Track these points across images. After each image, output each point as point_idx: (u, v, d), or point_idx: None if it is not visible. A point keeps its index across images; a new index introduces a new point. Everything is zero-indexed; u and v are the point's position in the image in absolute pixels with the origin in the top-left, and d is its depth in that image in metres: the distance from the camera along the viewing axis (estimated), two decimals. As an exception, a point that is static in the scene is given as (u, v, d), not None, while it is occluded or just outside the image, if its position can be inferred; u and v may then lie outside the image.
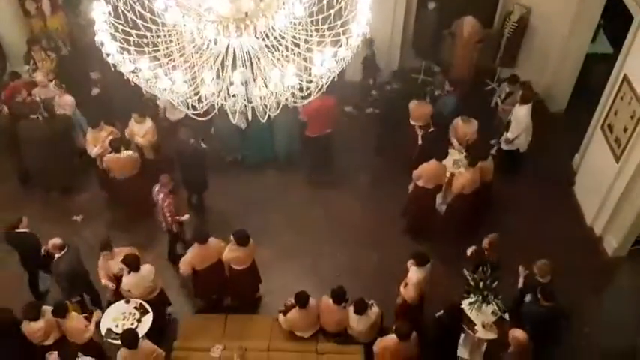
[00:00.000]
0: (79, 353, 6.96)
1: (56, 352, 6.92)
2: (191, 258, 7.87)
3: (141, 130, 9.30)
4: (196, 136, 9.09)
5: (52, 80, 10.21)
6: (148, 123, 9.32)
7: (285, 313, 7.64)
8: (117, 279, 7.79)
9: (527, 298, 7.58)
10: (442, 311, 7.56)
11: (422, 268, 7.55)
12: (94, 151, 9.27)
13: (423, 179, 8.94)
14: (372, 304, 7.54)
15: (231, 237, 7.85)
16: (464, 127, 9.70)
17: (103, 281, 7.77)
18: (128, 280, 7.52)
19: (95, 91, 10.21)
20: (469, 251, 8.04)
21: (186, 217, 8.67)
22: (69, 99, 9.92)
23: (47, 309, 7.28)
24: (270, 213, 9.76)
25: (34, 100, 9.70)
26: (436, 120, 10.03)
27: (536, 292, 7.35)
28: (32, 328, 7.16)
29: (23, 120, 9.51)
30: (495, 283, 7.37)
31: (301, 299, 7.36)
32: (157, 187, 8.47)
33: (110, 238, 8.06)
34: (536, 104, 11.23)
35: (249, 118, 4.48)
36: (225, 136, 10.00)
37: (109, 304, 7.80)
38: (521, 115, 9.70)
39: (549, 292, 7.22)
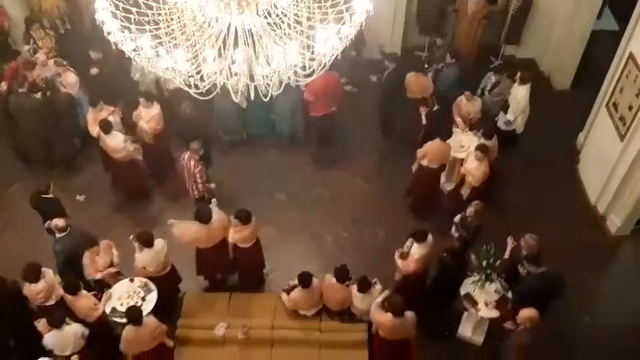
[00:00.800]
0: (67, 319, 6.97)
1: (43, 319, 6.99)
2: (195, 236, 7.84)
3: (147, 115, 9.25)
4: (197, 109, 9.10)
5: (52, 58, 10.16)
6: (155, 109, 9.25)
7: (288, 292, 7.67)
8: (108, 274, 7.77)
9: (522, 270, 7.56)
10: (445, 253, 7.69)
11: (422, 244, 7.56)
12: (94, 131, 9.25)
13: (428, 158, 8.90)
14: (375, 282, 7.56)
15: (233, 218, 7.84)
16: (467, 106, 9.61)
17: (98, 276, 7.65)
18: (143, 257, 7.51)
19: (94, 70, 10.13)
20: (456, 219, 8.18)
21: (213, 185, 8.80)
22: (72, 77, 9.88)
23: (47, 270, 7.32)
24: (274, 192, 9.77)
25: (34, 82, 9.64)
26: (439, 97, 9.96)
27: (522, 263, 7.43)
28: (33, 290, 7.21)
29: (21, 97, 9.47)
30: (498, 262, 7.37)
31: (305, 280, 7.38)
32: (185, 155, 8.52)
33: (96, 235, 7.95)
34: (540, 82, 11.17)
35: (252, 97, 4.43)
36: (225, 116, 9.96)
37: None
38: (520, 96, 9.58)
39: (535, 258, 7.30)
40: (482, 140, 8.94)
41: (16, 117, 9.60)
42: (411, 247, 7.67)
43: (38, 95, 9.41)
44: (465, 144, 9.40)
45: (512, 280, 7.62)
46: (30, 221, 8.54)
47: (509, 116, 9.71)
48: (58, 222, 7.69)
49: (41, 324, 7.00)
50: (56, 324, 6.87)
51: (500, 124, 9.91)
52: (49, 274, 7.32)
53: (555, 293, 7.31)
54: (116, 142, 8.88)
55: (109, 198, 9.79)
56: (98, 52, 9.97)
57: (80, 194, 9.66)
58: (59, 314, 6.97)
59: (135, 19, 4.50)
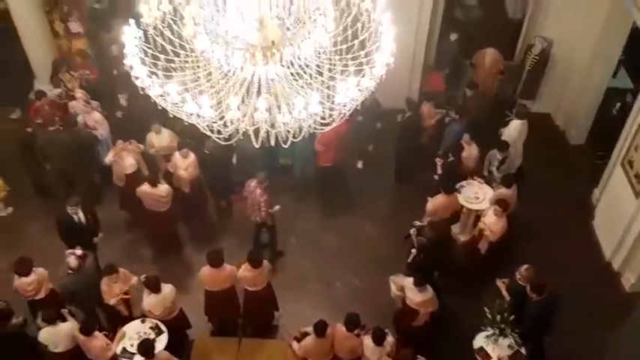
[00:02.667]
0: (64, 310, 7.27)
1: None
2: (202, 278, 7.97)
3: (184, 164, 9.46)
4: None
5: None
6: (192, 157, 9.48)
7: (299, 340, 7.59)
8: (123, 300, 7.91)
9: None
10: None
11: (423, 292, 7.60)
12: (108, 156, 9.50)
13: (439, 214, 8.94)
14: (387, 333, 7.48)
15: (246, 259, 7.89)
16: (468, 149, 9.75)
17: (112, 301, 7.82)
18: (149, 301, 7.58)
19: (119, 114, 10.42)
20: (499, 283, 8.11)
21: (277, 207, 9.06)
22: (98, 116, 10.16)
23: (38, 269, 7.66)
24: (285, 237, 9.79)
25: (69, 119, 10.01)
26: (445, 152, 10.10)
27: (523, 296, 7.45)
28: (23, 283, 7.54)
29: (45, 131, 9.81)
30: (513, 317, 7.31)
31: (320, 329, 7.26)
32: (252, 183, 8.77)
33: (116, 262, 8.10)
34: (556, 136, 11.26)
35: (272, 144, 4.53)
36: (246, 159, 10.08)
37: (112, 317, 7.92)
38: (512, 127, 9.93)
39: (539, 285, 7.38)
40: (501, 189, 8.98)
41: (45, 153, 9.86)
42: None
43: (65, 132, 9.73)
44: (479, 195, 9.44)
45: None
46: (49, 254, 8.57)
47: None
48: (70, 262, 7.80)
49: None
50: (50, 320, 7.11)
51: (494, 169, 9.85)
52: (40, 270, 7.72)
53: (556, 312, 7.48)
54: (163, 190, 9.05)
55: (123, 236, 9.89)
56: (125, 96, 10.29)
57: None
58: (53, 311, 7.24)
59: (162, 65, 4.68)
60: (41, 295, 7.73)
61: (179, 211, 9.58)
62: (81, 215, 8.51)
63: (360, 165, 11.03)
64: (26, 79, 11.85)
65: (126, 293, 7.93)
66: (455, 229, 9.64)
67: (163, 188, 9.02)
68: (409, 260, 8.68)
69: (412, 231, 8.71)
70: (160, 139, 9.87)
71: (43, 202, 10.23)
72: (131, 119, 10.45)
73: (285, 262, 9.45)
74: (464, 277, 8.89)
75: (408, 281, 7.81)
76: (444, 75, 11.90)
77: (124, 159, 9.54)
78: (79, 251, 7.92)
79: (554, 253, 9.46)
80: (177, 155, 9.53)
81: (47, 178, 10.28)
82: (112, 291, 7.80)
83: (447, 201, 8.94)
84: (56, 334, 7.26)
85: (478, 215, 9.26)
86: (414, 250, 8.57)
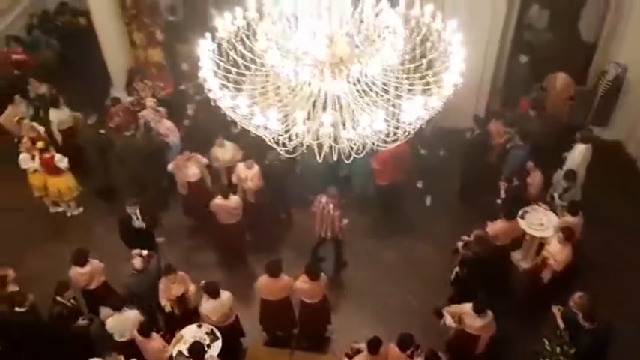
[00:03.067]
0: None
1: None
2: (260, 285, 8.07)
3: (250, 174, 9.68)
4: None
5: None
6: (256, 168, 9.67)
7: (351, 357, 7.55)
8: (177, 300, 8.08)
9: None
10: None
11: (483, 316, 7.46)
12: (170, 165, 9.85)
13: (499, 239, 8.77)
14: (441, 357, 7.35)
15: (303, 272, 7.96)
16: (533, 175, 9.52)
17: (163, 302, 8.04)
18: (207, 306, 7.74)
19: (187, 122, 10.78)
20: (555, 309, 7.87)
21: (346, 221, 9.14)
22: (168, 124, 10.54)
23: (94, 260, 8.15)
24: (344, 253, 9.80)
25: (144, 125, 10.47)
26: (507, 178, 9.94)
27: (576, 324, 7.24)
28: (78, 272, 8.06)
29: (121, 136, 10.39)
30: (573, 350, 7.06)
31: (374, 345, 7.18)
32: (323, 198, 8.86)
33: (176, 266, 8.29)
34: (627, 165, 10.86)
35: (334, 159, 4.59)
36: (308, 173, 10.22)
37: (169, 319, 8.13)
38: (576, 153, 9.58)
39: (590, 313, 7.18)
40: (567, 217, 8.73)
41: (120, 157, 10.36)
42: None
43: (140, 138, 10.19)
44: (544, 222, 9.18)
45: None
46: (113, 253, 8.92)
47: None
48: (135, 263, 8.08)
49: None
50: (117, 306, 7.51)
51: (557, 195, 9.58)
52: (95, 262, 8.20)
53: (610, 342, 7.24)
54: (234, 202, 9.26)
55: (185, 242, 10.17)
56: (193, 107, 10.66)
57: (160, 235, 10.06)
58: (120, 298, 7.67)
59: (232, 78, 4.84)
60: (93, 286, 8.23)
61: (243, 222, 9.73)
62: (138, 216, 8.83)
63: (420, 185, 10.93)
64: (104, 86, 12.41)
65: (182, 296, 8.10)
66: (516, 255, 9.42)
67: (234, 200, 9.20)
68: (452, 277, 8.55)
69: (459, 244, 8.55)
70: (224, 152, 10.11)
71: (110, 204, 10.64)
72: (197, 129, 10.76)
73: (342, 277, 9.47)
74: (522, 304, 8.64)
75: (467, 307, 7.64)
76: (526, 99, 11.44)
77: (188, 168, 9.84)
78: (144, 252, 8.20)
79: (622, 284, 9.06)
80: (240, 167, 9.73)
81: (117, 180, 10.74)
82: (168, 292, 8.01)
83: (507, 227, 8.76)
84: (123, 322, 7.60)
85: (542, 243, 9.01)
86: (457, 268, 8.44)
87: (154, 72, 12.21)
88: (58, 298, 7.84)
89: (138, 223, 8.83)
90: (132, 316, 7.64)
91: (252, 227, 10.05)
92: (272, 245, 9.98)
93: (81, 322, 7.87)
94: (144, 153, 10.18)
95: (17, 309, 7.74)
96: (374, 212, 10.56)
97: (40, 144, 10.02)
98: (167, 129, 10.59)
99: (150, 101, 10.95)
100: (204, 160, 10.02)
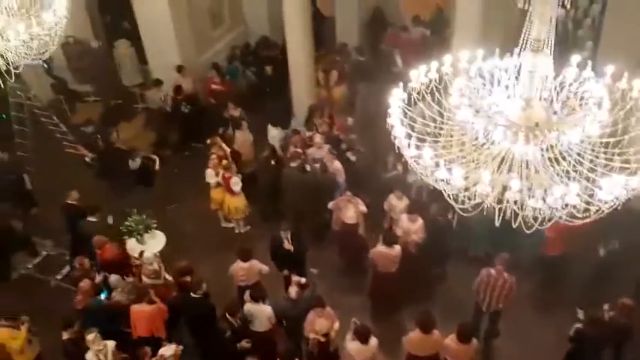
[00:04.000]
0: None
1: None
2: (410, 340, 7.90)
3: (413, 227, 9.64)
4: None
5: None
6: (419, 221, 9.66)
7: None
8: (318, 340, 8.15)
9: None
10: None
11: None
12: (330, 203, 10.20)
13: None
14: None
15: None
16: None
17: (312, 335, 8.11)
18: (353, 347, 7.73)
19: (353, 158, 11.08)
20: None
21: None
22: (338, 165, 10.88)
23: (254, 260, 8.93)
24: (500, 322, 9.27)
25: (297, 154, 10.98)
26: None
27: None
28: (238, 268, 8.91)
29: (289, 167, 10.87)
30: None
31: None
32: (492, 270, 8.50)
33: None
34: None
35: (514, 225, 4.40)
36: (478, 231, 9.91)
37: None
38: None
39: None
40: None
41: (285, 186, 10.89)
42: None
43: (311, 173, 10.66)
44: None
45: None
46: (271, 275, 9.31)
47: None
48: (292, 291, 8.34)
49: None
50: (256, 298, 8.24)
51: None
52: (255, 262, 8.91)
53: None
54: (397, 250, 9.27)
55: (337, 280, 10.28)
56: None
57: (314, 267, 10.32)
58: (261, 290, 8.47)
59: (417, 129, 4.86)
60: (248, 283, 8.89)
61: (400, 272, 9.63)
62: (289, 239, 9.24)
63: (602, 252, 9.75)
64: (287, 117, 13.12)
65: (326, 334, 8.14)
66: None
67: (397, 249, 9.19)
68: None
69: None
70: (401, 203, 10.07)
71: (274, 227, 11.08)
72: (360, 171, 11.03)
73: (488, 345, 8.98)
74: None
75: None
76: None
77: (347, 209, 10.08)
78: (303, 280, 8.46)
79: None
80: (404, 218, 9.71)
81: (283, 206, 11.25)
82: (313, 325, 8.13)
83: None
84: (259, 313, 8.16)
85: None
86: None
87: (335, 110, 12.68)
88: (228, 317, 8.29)
89: (287, 245, 9.22)
90: (268, 311, 8.22)
91: (408, 278, 9.90)
92: (424, 298, 9.74)
93: (244, 344, 8.31)
94: (309, 186, 10.56)
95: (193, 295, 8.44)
96: (537, 279, 9.93)
97: (224, 162, 10.85)
98: (336, 169, 10.85)
99: (319, 137, 11.29)
100: (363, 208, 10.16)
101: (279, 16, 12.49)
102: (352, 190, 10.36)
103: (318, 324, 8.14)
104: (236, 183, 10.76)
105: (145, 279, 9.03)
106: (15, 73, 6.40)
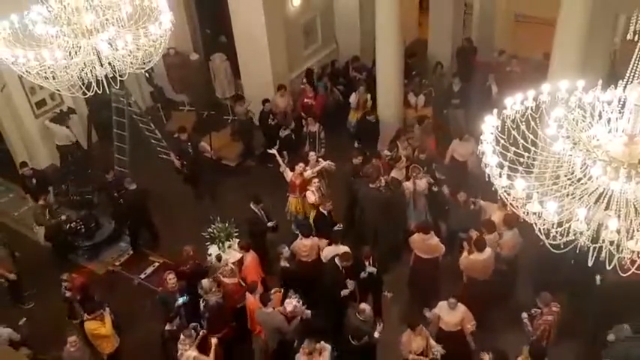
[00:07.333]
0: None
1: None
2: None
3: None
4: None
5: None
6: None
7: None
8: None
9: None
10: None
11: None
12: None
13: None
14: None
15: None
16: None
17: (410, 357, 8.13)
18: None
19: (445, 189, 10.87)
20: None
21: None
22: (424, 184, 10.71)
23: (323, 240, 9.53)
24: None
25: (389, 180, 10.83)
26: None
27: None
28: (302, 244, 9.49)
29: (367, 187, 10.67)
30: None
31: None
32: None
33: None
34: None
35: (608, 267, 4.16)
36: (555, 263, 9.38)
37: None
38: None
39: None
40: None
41: (362, 204, 10.82)
42: None
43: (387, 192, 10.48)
44: None
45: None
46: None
47: None
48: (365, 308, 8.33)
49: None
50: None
51: None
52: (317, 239, 9.52)
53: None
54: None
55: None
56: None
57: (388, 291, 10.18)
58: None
59: (510, 158, 4.71)
60: (309, 259, 9.50)
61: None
62: (370, 262, 9.16)
63: None
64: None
65: (423, 353, 8.09)
66: None
67: (488, 251, 9.05)
68: None
69: None
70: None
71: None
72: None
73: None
74: None
75: None
76: None
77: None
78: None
79: None
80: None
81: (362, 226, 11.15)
82: (410, 346, 8.11)
83: None
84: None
85: None
86: None
87: (420, 133, 12.52)
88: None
89: (370, 268, 9.12)
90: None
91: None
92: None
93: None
94: (386, 207, 10.43)
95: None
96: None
97: (306, 172, 10.93)
98: (420, 188, 10.68)
99: (404, 160, 11.22)
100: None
101: (371, 35, 12.56)
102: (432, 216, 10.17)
103: (413, 344, 8.10)
104: (311, 194, 10.71)
105: (223, 279, 9.18)
106: (120, 80, 6.78)
